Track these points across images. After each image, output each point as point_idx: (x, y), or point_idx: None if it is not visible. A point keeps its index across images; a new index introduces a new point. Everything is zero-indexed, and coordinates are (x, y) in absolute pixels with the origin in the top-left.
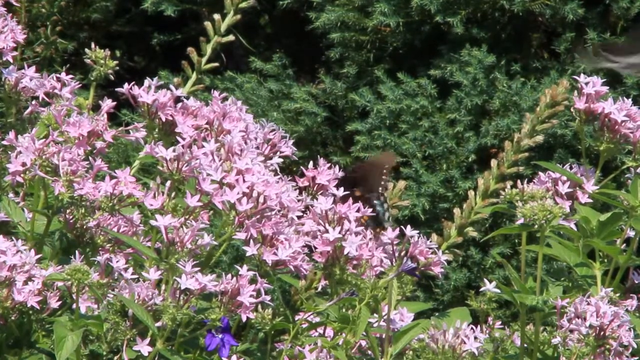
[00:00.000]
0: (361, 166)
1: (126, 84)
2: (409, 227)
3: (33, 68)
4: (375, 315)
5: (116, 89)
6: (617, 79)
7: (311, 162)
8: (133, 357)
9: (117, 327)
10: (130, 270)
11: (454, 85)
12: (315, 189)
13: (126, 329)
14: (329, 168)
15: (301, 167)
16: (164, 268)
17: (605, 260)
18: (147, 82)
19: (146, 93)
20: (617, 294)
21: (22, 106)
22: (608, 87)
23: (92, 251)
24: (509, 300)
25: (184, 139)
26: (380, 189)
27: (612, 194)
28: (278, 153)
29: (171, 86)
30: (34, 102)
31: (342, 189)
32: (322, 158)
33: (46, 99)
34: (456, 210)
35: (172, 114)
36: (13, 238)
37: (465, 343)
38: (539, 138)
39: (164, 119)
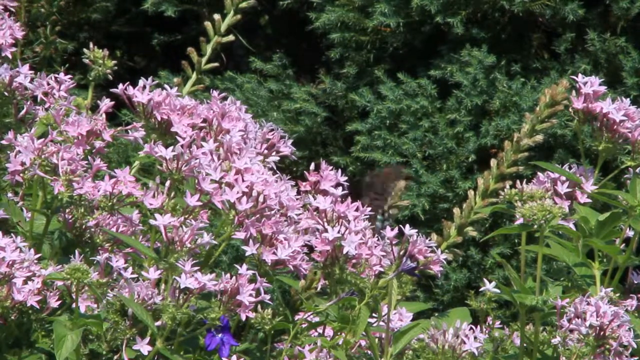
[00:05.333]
0: (377, 175)
1: (121, 84)
2: (407, 226)
3: (27, 66)
4: (375, 315)
5: (111, 90)
6: (617, 79)
7: (313, 164)
8: (133, 356)
9: (117, 327)
10: (130, 269)
11: (454, 85)
12: (317, 193)
13: (126, 328)
14: (331, 170)
15: (302, 169)
16: (163, 267)
17: (605, 260)
18: (141, 81)
19: (141, 93)
20: (617, 294)
21: (19, 106)
22: (607, 87)
23: (92, 250)
24: (508, 301)
25: (183, 138)
26: (387, 205)
27: (611, 193)
28: (274, 153)
29: (166, 85)
30: (29, 102)
31: (340, 188)
32: (323, 160)
33: (44, 99)
34: (456, 210)
35: (168, 113)
36: (12, 235)
37: (465, 343)
38: (539, 137)
39: (159, 119)
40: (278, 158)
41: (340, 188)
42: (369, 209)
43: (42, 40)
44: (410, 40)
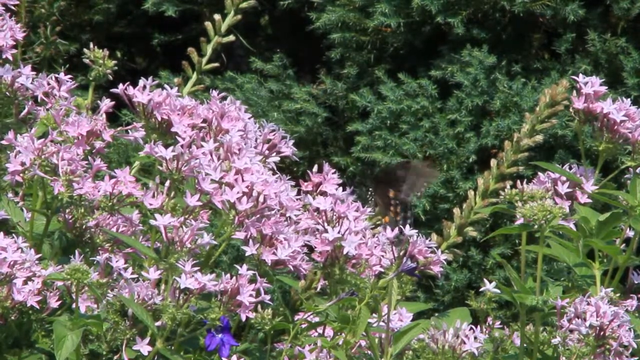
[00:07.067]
0: (406, 166)
1: (121, 85)
2: (408, 226)
3: (29, 67)
4: (375, 315)
5: (111, 90)
6: (617, 79)
7: (316, 165)
8: (133, 356)
9: (117, 327)
10: (130, 269)
11: (455, 85)
12: (318, 194)
13: (126, 329)
14: (334, 173)
15: (303, 169)
16: (163, 267)
17: (605, 260)
18: (142, 82)
19: (141, 93)
20: (617, 294)
21: (20, 106)
22: (608, 88)
23: (92, 251)
24: (509, 301)
25: (183, 138)
26: (412, 196)
27: (611, 194)
28: (275, 153)
29: (166, 86)
30: (30, 103)
31: (340, 189)
32: (325, 162)
33: (45, 99)
34: (456, 210)
35: (168, 113)
36: (14, 235)
37: (465, 343)
38: (539, 138)
39: (159, 119)
40: (279, 159)
41: (341, 189)
42: (374, 209)
43: (42, 40)
44: (410, 40)
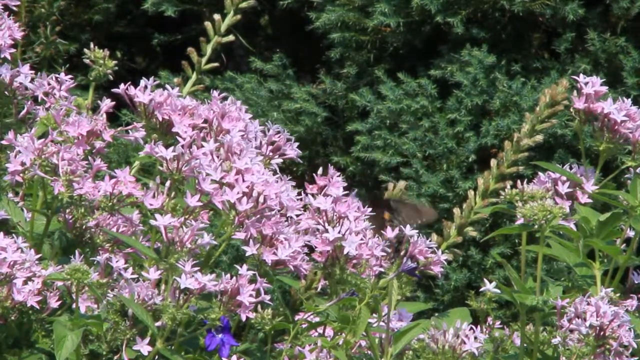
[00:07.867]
0: (404, 202)
1: (122, 85)
2: (408, 227)
3: (27, 66)
4: (375, 315)
5: (112, 90)
6: (617, 79)
7: (320, 169)
8: (133, 356)
9: (117, 327)
10: (130, 270)
11: (454, 85)
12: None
13: (126, 329)
14: (339, 176)
15: (303, 169)
16: (163, 268)
17: (605, 260)
18: (143, 82)
19: (142, 93)
20: (617, 294)
21: (19, 106)
22: (608, 87)
23: (92, 251)
24: (509, 301)
25: (183, 138)
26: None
27: (611, 194)
28: (279, 155)
29: (167, 86)
30: (29, 102)
31: (341, 189)
32: (326, 162)
33: (45, 99)
34: (456, 210)
35: (169, 113)
36: (14, 236)
37: (465, 343)
38: (539, 137)
39: (160, 119)
40: (281, 160)
41: (341, 189)
42: (370, 209)
43: (42, 40)
44: (410, 40)
